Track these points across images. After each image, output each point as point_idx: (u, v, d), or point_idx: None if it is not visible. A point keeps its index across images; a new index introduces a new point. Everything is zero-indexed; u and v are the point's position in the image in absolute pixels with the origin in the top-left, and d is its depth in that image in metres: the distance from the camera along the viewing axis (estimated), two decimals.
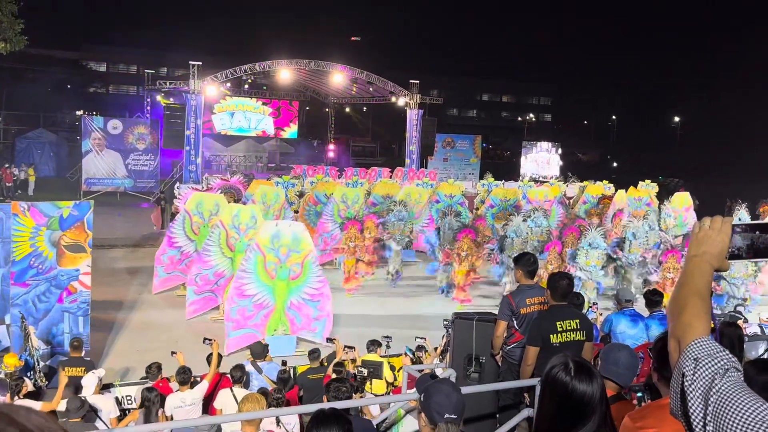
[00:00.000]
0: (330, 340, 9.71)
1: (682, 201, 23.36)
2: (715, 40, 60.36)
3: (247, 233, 13.23)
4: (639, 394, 4.50)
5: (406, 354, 9.12)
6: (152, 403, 6.88)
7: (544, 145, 47.21)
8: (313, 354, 8.80)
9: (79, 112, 40.41)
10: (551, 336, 5.48)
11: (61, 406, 6.70)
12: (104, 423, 6.82)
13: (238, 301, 11.69)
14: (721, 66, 57.36)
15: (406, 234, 16.90)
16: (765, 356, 6.60)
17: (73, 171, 34.29)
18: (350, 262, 16.06)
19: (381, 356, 9.12)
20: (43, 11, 41.69)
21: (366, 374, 8.12)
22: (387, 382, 8.61)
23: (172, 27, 53.00)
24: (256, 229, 12.99)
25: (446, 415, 2.82)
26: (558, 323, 5.52)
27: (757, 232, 1.72)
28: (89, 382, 7.16)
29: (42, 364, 8.97)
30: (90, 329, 10.48)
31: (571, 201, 25.41)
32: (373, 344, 9.22)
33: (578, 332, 5.58)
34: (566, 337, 5.51)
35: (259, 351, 8.87)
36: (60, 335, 9.82)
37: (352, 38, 69.33)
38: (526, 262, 6.40)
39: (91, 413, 6.70)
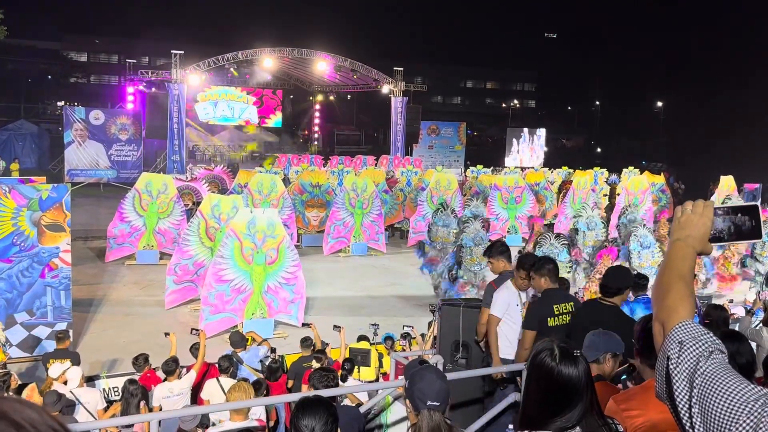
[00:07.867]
0: (336, 327, 9.37)
1: (639, 184, 23.27)
2: (698, 23, 60.64)
3: (227, 223, 13.17)
4: (623, 377, 4.52)
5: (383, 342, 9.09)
6: (132, 396, 6.82)
7: (529, 131, 47.32)
8: (306, 342, 8.69)
9: (61, 103, 39.93)
10: (549, 319, 5.47)
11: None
12: (91, 415, 6.78)
13: (216, 286, 11.85)
14: (704, 50, 57.63)
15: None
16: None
17: (56, 162, 33.93)
18: None
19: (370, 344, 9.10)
20: (22, 1, 41.14)
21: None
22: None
23: (154, 16, 52.44)
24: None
25: (428, 402, 2.84)
26: (555, 306, 5.53)
27: (739, 215, 1.73)
28: (73, 375, 7.12)
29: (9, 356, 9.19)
30: (72, 320, 10.92)
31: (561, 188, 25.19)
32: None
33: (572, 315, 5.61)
34: (562, 320, 5.52)
35: (238, 340, 8.69)
36: (43, 307, 10.50)
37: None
38: (501, 250, 6.41)
39: (69, 407, 6.65)
